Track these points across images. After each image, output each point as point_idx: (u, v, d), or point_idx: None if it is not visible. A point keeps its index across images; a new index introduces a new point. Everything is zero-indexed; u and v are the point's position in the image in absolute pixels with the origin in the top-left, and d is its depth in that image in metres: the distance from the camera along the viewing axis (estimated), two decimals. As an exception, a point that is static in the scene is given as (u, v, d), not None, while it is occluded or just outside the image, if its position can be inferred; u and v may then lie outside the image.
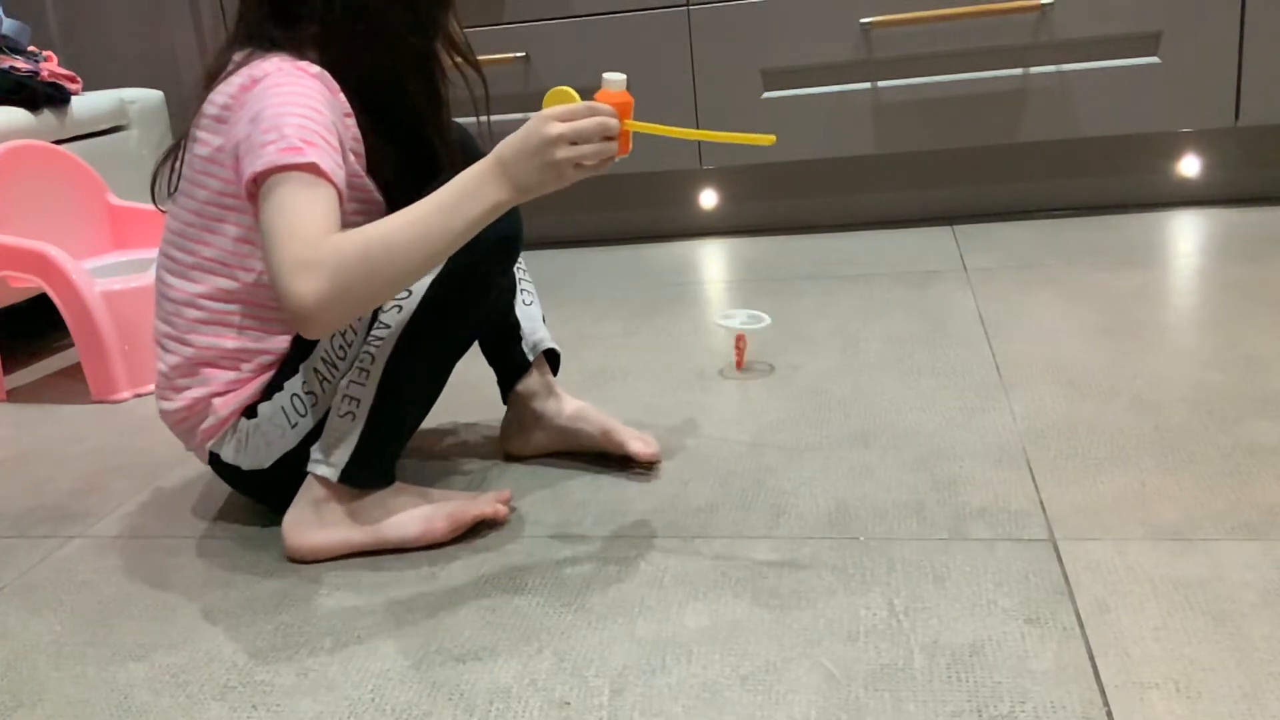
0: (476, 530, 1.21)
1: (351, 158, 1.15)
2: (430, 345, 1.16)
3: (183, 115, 1.34)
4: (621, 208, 2.57)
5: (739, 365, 1.64)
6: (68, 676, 1.02)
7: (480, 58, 1.25)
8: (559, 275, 2.31)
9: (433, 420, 1.50)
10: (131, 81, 2.45)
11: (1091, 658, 0.90)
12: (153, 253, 1.40)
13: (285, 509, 1.20)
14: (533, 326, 1.37)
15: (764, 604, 1.02)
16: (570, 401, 1.38)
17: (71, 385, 1.91)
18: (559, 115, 1.01)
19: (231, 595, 1.14)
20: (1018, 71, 2.22)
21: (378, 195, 1.20)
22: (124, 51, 2.66)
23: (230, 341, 1.19)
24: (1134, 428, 1.32)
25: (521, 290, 1.39)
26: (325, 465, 1.17)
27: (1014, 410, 1.40)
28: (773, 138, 1.06)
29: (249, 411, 1.20)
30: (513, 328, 1.36)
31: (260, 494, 1.28)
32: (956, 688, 0.88)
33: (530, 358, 1.36)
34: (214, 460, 1.24)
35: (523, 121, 1.03)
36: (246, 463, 1.22)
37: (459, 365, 1.22)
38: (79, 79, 2.25)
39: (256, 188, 1.05)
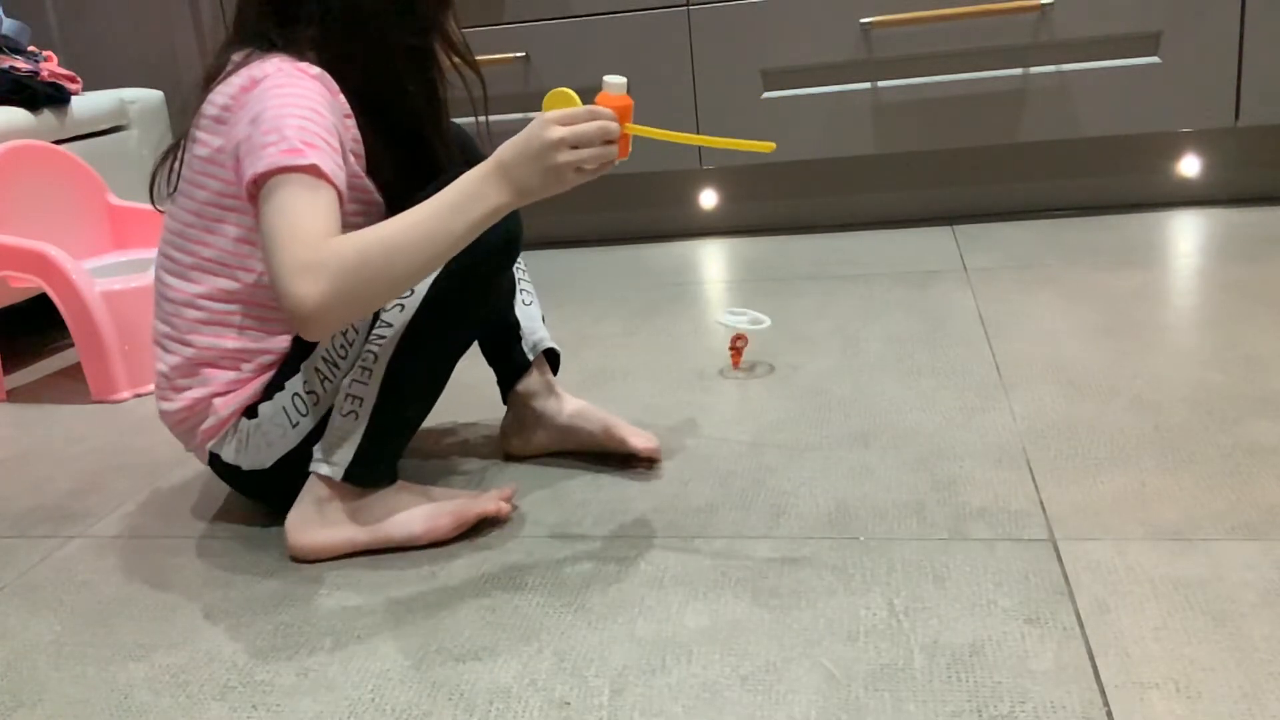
0: (478, 529, 1.21)
1: (352, 159, 1.15)
2: (432, 345, 1.17)
3: (183, 115, 1.34)
4: (621, 208, 2.57)
5: (735, 365, 1.64)
6: (68, 676, 1.02)
7: (480, 58, 1.26)
8: (559, 275, 2.31)
9: (433, 420, 1.50)
10: (131, 81, 2.45)
11: (1091, 658, 0.90)
12: (152, 253, 1.40)
13: (286, 509, 1.20)
14: (532, 326, 1.37)
15: (764, 604, 1.02)
16: (570, 400, 1.38)
17: (71, 385, 1.91)
18: (560, 119, 1.01)
19: (231, 595, 1.14)
20: (1018, 71, 2.22)
21: (378, 196, 1.20)
22: (124, 51, 2.66)
23: (231, 341, 1.19)
24: (1134, 428, 1.32)
25: (521, 290, 1.39)
26: (328, 464, 1.17)
27: (1014, 410, 1.40)
28: (772, 145, 1.06)
29: (250, 411, 1.20)
30: (512, 328, 1.36)
31: (261, 494, 1.28)
32: (956, 688, 0.88)
33: (530, 357, 1.36)
34: (214, 461, 1.24)
35: (522, 122, 1.03)
36: (247, 463, 1.22)
37: (459, 365, 1.22)
38: (79, 79, 2.25)
39: (257, 189, 1.05)
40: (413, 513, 1.20)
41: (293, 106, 1.07)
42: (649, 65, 2.34)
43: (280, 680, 0.98)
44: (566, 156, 1.01)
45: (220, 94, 1.14)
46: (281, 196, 1.03)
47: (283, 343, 1.20)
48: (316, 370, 1.18)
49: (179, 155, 1.19)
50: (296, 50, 1.14)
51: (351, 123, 1.15)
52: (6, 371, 2.00)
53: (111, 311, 1.80)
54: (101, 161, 2.17)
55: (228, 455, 1.22)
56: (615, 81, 1.06)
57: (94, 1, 2.65)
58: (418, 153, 1.22)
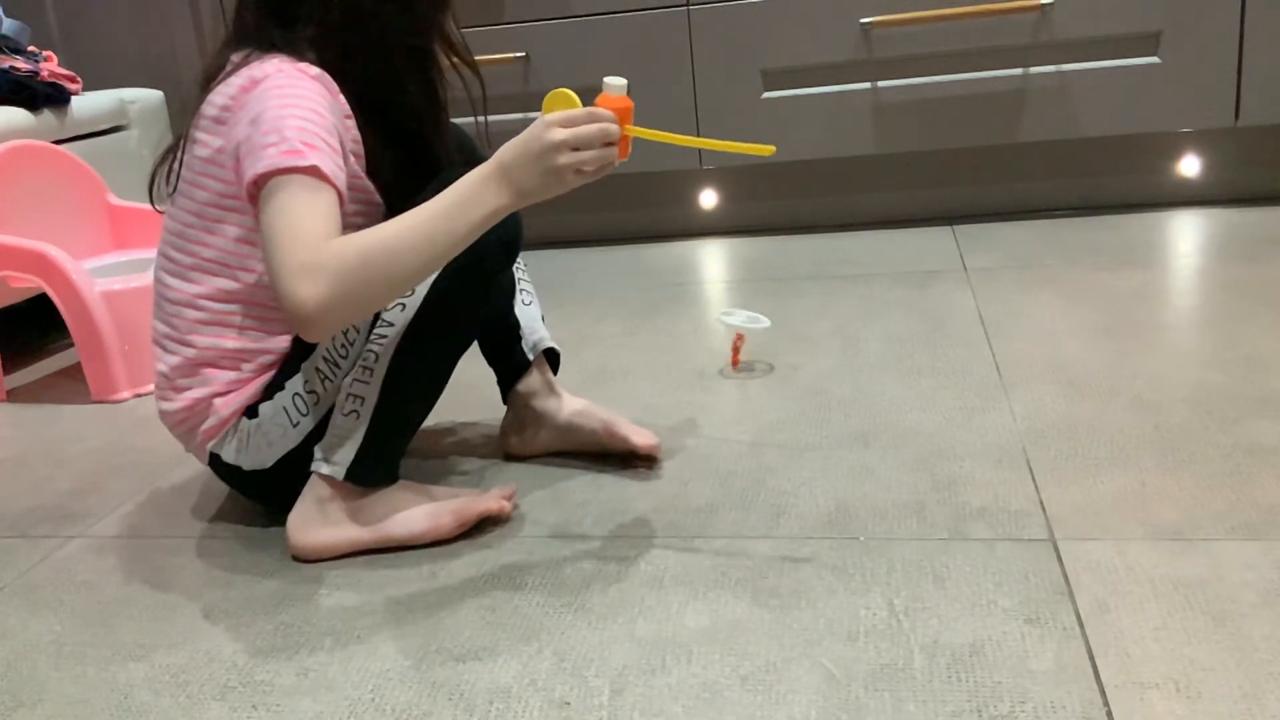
0: (479, 528, 1.21)
1: (352, 160, 1.15)
2: (433, 344, 1.17)
3: (183, 115, 1.34)
4: (621, 208, 2.57)
5: (735, 364, 1.64)
6: (68, 676, 1.02)
7: (480, 58, 1.26)
8: (559, 275, 2.31)
9: (433, 420, 1.50)
10: (131, 81, 2.45)
11: (1091, 658, 0.90)
12: (152, 253, 1.40)
13: (286, 509, 1.20)
14: (532, 326, 1.37)
15: (764, 604, 1.02)
16: (571, 400, 1.38)
17: (71, 385, 1.91)
18: (561, 121, 1.01)
19: (231, 595, 1.14)
20: (1018, 71, 2.22)
21: (378, 197, 1.20)
22: (124, 51, 2.66)
23: (231, 342, 1.19)
24: (1134, 428, 1.32)
25: (521, 290, 1.39)
26: (330, 464, 1.17)
27: (1014, 410, 1.40)
28: (772, 148, 1.07)
29: (250, 411, 1.20)
30: (512, 328, 1.36)
31: (261, 494, 1.28)
32: (956, 688, 0.88)
33: (530, 357, 1.36)
34: (214, 461, 1.24)
35: (522, 122, 1.03)
36: (248, 463, 1.22)
37: (459, 365, 1.22)
38: (79, 79, 2.25)
39: (257, 190, 1.05)
40: (414, 511, 1.20)
41: (293, 107, 1.07)
42: (649, 65, 2.34)
43: (280, 680, 0.98)
44: (567, 159, 1.01)
45: (220, 94, 1.14)
46: (282, 198, 1.03)
47: (283, 343, 1.20)
48: (317, 370, 1.18)
49: (178, 156, 1.19)
50: (296, 50, 1.14)
51: (351, 123, 1.15)
52: (6, 371, 2.00)
53: (111, 311, 1.80)
54: (101, 161, 2.17)
55: (228, 455, 1.22)
56: (616, 83, 1.06)
57: (94, 1, 2.65)
58: (417, 153, 1.22)
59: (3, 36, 2.15)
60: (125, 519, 1.36)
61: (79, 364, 1.85)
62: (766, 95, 2.32)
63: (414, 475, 1.30)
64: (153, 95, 2.43)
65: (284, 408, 1.19)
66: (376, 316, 1.15)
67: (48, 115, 2.13)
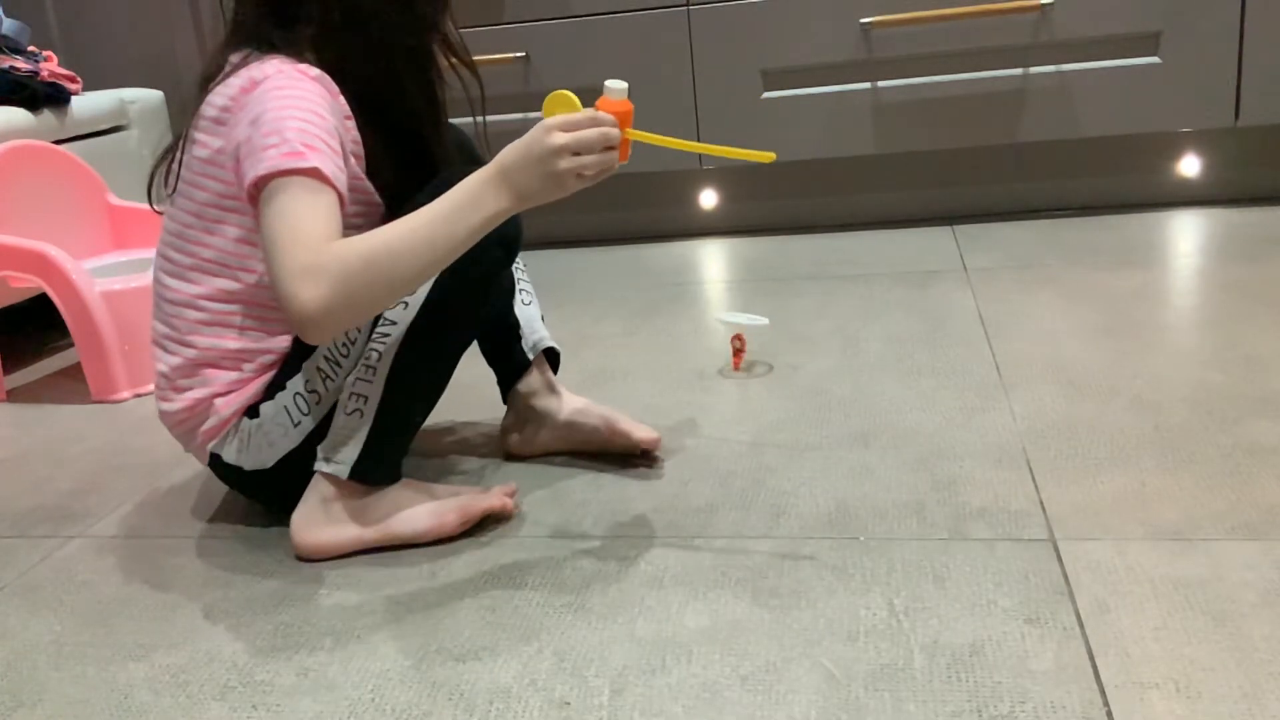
0: (480, 527, 1.21)
1: (352, 160, 1.15)
2: (435, 343, 1.17)
3: (182, 115, 1.34)
4: (621, 208, 2.57)
5: (736, 365, 1.64)
6: (68, 676, 1.02)
7: (480, 58, 1.26)
8: (559, 275, 2.31)
9: (433, 420, 1.50)
10: (131, 81, 2.45)
11: (1091, 658, 0.90)
12: (152, 253, 1.40)
13: (286, 510, 1.20)
14: (532, 326, 1.38)
15: (764, 604, 1.02)
16: (571, 398, 1.38)
17: (71, 385, 1.91)
18: (562, 125, 1.01)
19: (231, 595, 1.14)
20: (1018, 71, 2.22)
21: (378, 198, 1.20)
22: (124, 51, 2.66)
23: (232, 342, 1.19)
24: (1134, 428, 1.32)
25: (520, 290, 1.39)
26: (333, 463, 1.17)
27: (1014, 410, 1.40)
28: (773, 156, 1.07)
29: (251, 411, 1.20)
30: (512, 327, 1.36)
31: (261, 494, 1.28)
32: (956, 688, 0.88)
33: (530, 357, 1.36)
34: (214, 461, 1.24)
35: (522, 122, 1.04)
36: (249, 463, 1.21)
37: (459, 365, 1.22)
38: (79, 79, 2.25)
39: (258, 192, 1.05)
40: (418, 510, 1.20)
41: (293, 108, 1.07)
42: (649, 65, 2.34)
43: (280, 680, 0.98)
44: (568, 163, 1.01)
45: (219, 95, 1.14)
46: (282, 200, 1.03)
47: (284, 342, 1.20)
48: (318, 369, 1.18)
49: (177, 156, 1.19)
50: (295, 51, 1.14)
51: (351, 124, 1.15)
52: (6, 371, 2.00)
53: (111, 311, 1.80)
54: (101, 161, 2.17)
55: (229, 455, 1.22)
56: (616, 86, 1.05)
57: (94, 1, 2.66)
58: (417, 153, 1.22)
59: (3, 36, 2.15)
60: (125, 519, 1.36)
61: (79, 364, 1.85)
62: (766, 95, 2.32)
63: (415, 475, 1.29)
64: (153, 95, 2.43)
65: (285, 407, 1.19)
66: (378, 316, 1.15)
67: (48, 115, 2.13)
